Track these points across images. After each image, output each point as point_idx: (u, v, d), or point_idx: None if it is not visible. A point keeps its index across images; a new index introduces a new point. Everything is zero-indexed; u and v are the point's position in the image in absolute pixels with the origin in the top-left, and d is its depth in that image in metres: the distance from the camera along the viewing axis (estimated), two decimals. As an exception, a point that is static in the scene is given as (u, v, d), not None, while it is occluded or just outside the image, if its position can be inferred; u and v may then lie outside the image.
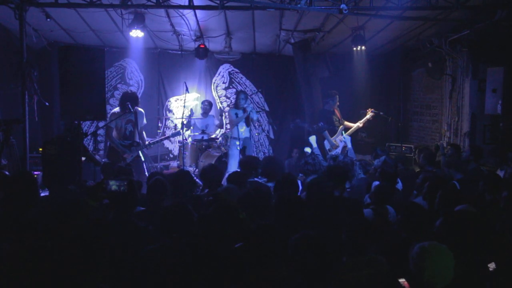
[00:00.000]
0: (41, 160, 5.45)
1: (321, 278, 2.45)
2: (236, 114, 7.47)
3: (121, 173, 4.66)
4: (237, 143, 7.39)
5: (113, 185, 3.03)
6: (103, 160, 6.48)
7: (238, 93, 7.87)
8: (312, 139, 7.09)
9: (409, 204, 3.53)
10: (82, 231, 2.37)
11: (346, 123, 7.76)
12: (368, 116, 7.62)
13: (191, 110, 8.59)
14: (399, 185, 5.05)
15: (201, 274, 2.60)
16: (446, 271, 2.30)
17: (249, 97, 7.96)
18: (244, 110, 7.48)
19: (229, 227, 2.87)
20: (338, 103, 7.68)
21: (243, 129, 7.52)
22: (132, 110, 6.38)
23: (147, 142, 6.75)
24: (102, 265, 2.22)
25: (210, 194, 3.41)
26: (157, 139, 7.27)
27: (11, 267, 2.34)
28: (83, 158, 5.72)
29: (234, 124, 7.47)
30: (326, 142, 7.54)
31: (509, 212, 3.46)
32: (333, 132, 7.57)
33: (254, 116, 7.74)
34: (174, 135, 7.59)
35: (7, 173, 5.05)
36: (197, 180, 5.76)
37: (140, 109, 6.65)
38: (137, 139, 6.51)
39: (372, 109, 7.72)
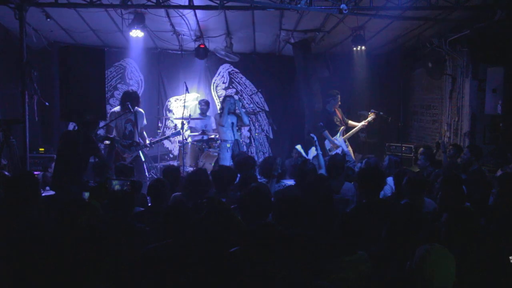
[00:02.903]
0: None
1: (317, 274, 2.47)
2: (233, 123, 7.41)
3: (122, 172, 4.65)
4: (228, 145, 7.32)
5: (116, 184, 3.03)
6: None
7: (225, 98, 7.63)
8: (299, 147, 7.07)
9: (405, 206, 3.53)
10: (85, 231, 2.37)
11: (351, 122, 7.79)
12: (369, 118, 7.69)
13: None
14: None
15: (199, 275, 2.60)
16: (448, 274, 2.31)
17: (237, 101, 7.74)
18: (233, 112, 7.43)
19: (223, 231, 2.85)
20: (339, 103, 7.70)
21: (231, 133, 7.43)
22: (132, 110, 6.39)
23: (147, 142, 6.74)
24: (104, 265, 2.22)
25: (204, 197, 3.39)
26: (157, 139, 7.25)
27: (11, 267, 2.34)
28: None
29: (226, 128, 7.39)
30: (327, 142, 7.55)
31: (499, 209, 3.47)
32: (334, 133, 7.59)
33: (246, 119, 7.71)
34: (174, 134, 7.56)
35: (7, 173, 5.06)
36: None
37: (140, 109, 6.65)
38: (136, 139, 6.51)
39: (373, 110, 7.77)
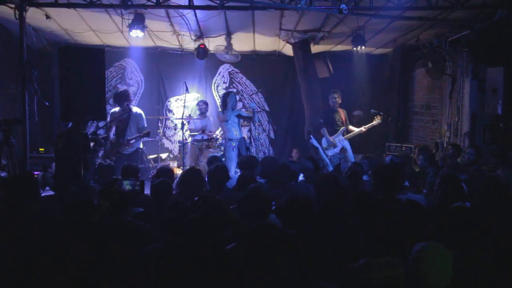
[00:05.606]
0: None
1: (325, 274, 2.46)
2: (238, 120, 7.13)
3: (127, 172, 4.66)
4: (233, 144, 7.03)
5: (127, 185, 3.05)
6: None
7: (229, 94, 7.18)
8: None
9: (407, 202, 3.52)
10: (98, 231, 2.36)
11: (350, 127, 7.82)
12: (374, 123, 7.72)
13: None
14: None
15: (200, 274, 2.60)
16: (445, 272, 2.31)
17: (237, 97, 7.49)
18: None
19: (219, 228, 2.85)
20: (339, 101, 7.72)
21: (237, 131, 7.14)
22: (131, 110, 6.45)
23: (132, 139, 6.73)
24: (112, 265, 2.22)
25: (200, 196, 3.39)
26: (130, 137, 6.83)
27: (11, 267, 2.34)
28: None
29: (230, 125, 7.11)
30: (324, 140, 7.57)
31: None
32: (333, 132, 7.61)
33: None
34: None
35: (3, 174, 5.06)
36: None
37: (140, 111, 6.68)
38: (130, 137, 6.58)
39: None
